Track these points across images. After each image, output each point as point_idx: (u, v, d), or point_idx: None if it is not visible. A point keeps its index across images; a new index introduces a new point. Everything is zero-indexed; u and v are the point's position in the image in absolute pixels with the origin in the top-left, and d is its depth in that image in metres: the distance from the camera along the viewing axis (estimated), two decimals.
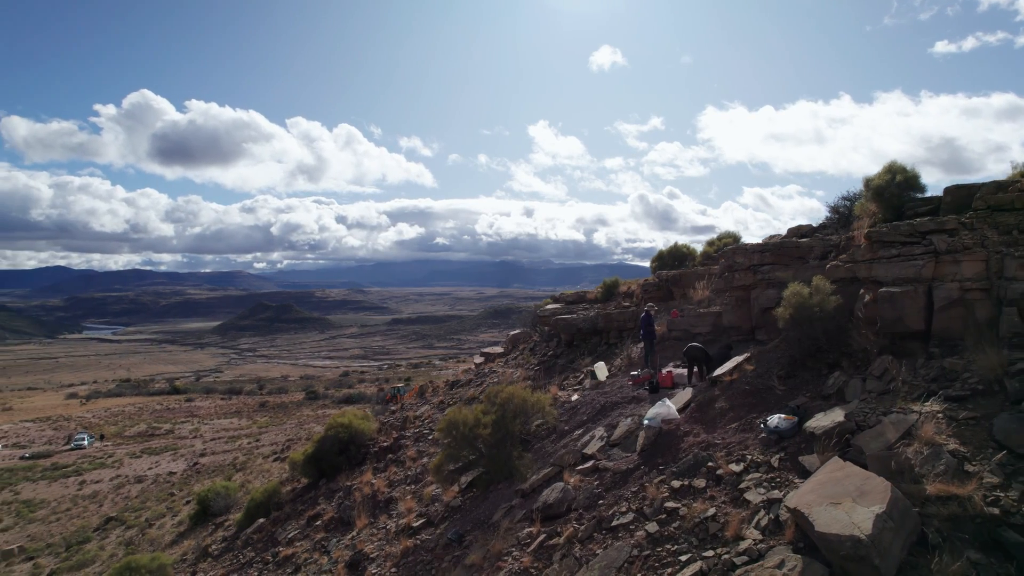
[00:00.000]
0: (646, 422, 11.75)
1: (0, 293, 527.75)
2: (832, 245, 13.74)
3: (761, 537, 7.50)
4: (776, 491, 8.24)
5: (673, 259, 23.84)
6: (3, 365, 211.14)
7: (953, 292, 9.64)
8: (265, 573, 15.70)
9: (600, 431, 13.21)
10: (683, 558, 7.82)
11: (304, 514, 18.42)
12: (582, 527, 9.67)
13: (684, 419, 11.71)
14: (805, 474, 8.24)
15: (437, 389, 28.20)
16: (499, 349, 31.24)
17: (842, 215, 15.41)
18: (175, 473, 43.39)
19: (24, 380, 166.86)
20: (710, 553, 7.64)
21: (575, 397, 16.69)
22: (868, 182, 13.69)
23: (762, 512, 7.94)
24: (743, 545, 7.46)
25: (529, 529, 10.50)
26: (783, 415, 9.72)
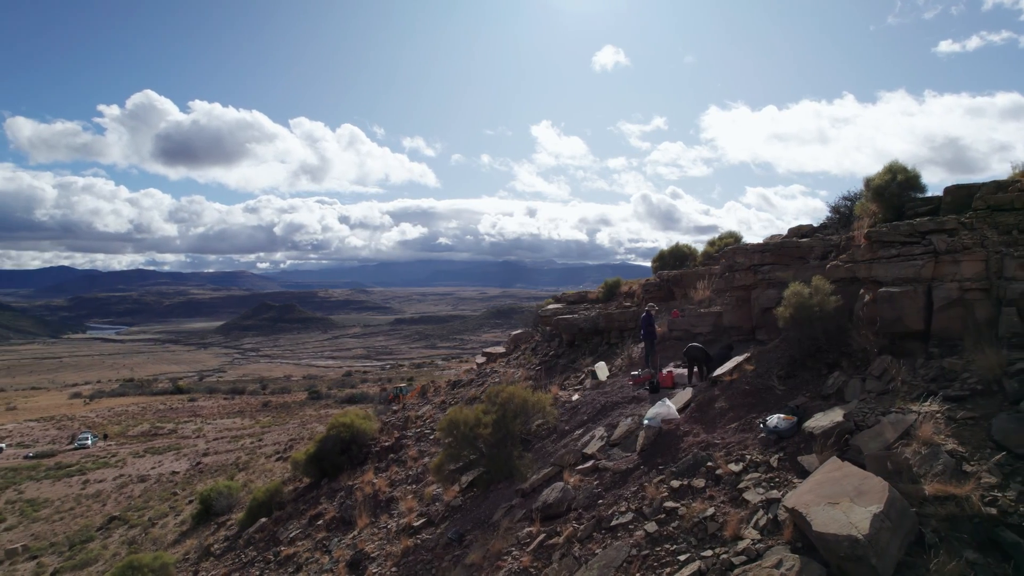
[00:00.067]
0: (646, 422, 11.76)
1: (4, 293, 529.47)
2: (833, 245, 13.73)
3: (759, 537, 7.51)
4: (775, 491, 8.25)
5: (674, 259, 23.84)
6: (7, 365, 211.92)
7: (952, 292, 9.64)
8: (267, 572, 15.75)
9: (600, 431, 13.22)
10: (682, 558, 7.83)
11: (306, 513, 18.46)
12: (581, 527, 9.69)
13: (684, 419, 11.72)
14: (804, 474, 8.25)
15: (439, 389, 28.25)
16: (501, 349, 31.26)
17: (843, 215, 15.40)
18: (178, 472, 43.56)
19: (28, 380, 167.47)
20: (709, 553, 7.65)
21: (576, 397, 16.71)
22: (868, 182, 13.69)
23: (761, 512, 7.94)
24: (741, 545, 7.47)
25: (529, 529, 10.52)
26: (782, 415, 9.73)
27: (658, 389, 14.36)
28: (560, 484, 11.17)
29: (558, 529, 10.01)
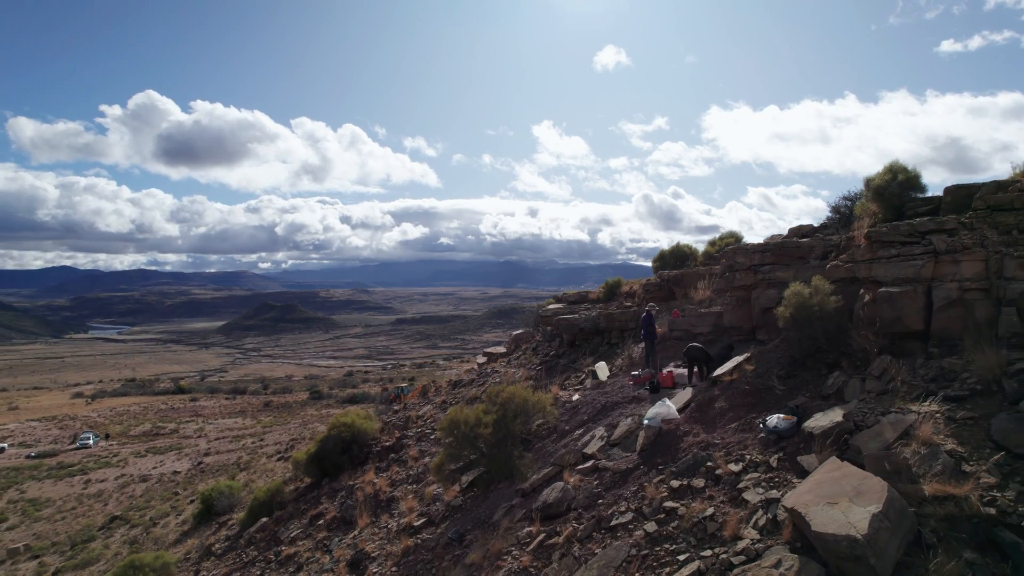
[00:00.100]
0: (646, 422, 11.77)
1: (7, 293, 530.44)
2: (833, 245, 13.73)
3: (759, 537, 7.51)
4: (774, 491, 8.25)
5: (675, 259, 23.84)
6: (10, 365, 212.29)
7: (952, 292, 9.64)
8: (268, 572, 15.78)
9: (600, 431, 13.23)
10: (681, 557, 7.84)
11: (307, 513, 18.48)
12: (581, 526, 9.70)
13: (684, 419, 11.73)
14: (803, 474, 8.25)
15: (439, 389, 28.27)
16: (502, 349, 31.27)
17: (843, 215, 15.39)
18: (179, 472, 43.64)
19: (30, 380, 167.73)
20: (708, 553, 7.65)
21: (576, 397, 16.72)
22: (869, 182, 13.69)
23: (760, 512, 7.95)
24: (741, 545, 7.48)
25: (529, 528, 10.53)
26: (782, 415, 9.73)
27: (658, 389, 14.36)
28: (560, 484, 11.18)
29: (558, 529, 10.02)
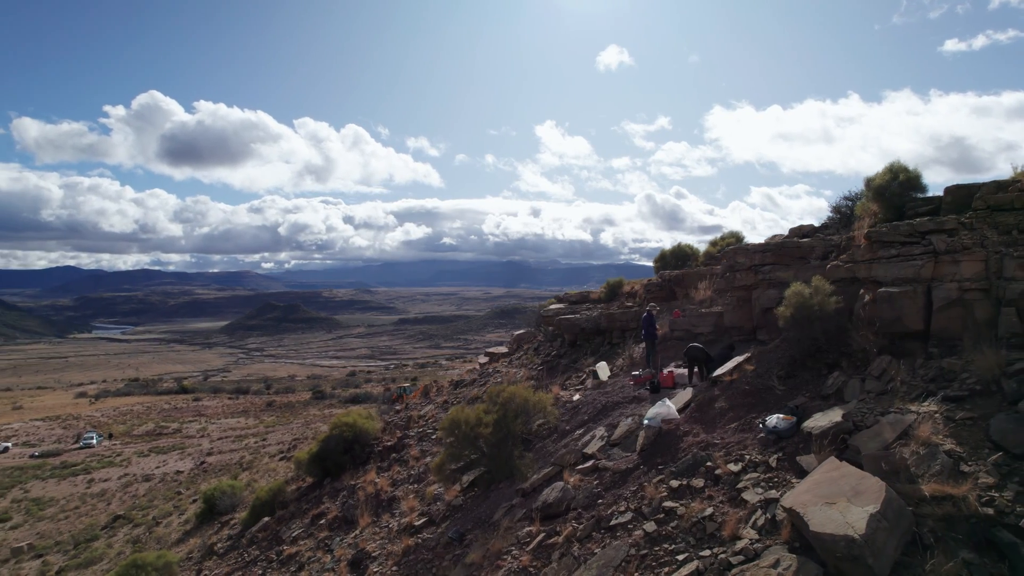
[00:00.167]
0: (646, 422, 11.78)
1: (11, 293, 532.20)
2: (833, 245, 13.72)
3: (758, 537, 7.53)
4: (773, 491, 8.27)
5: (676, 259, 23.83)
6: (14, 364, 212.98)
7: (952, 292, 9.63)
8: (269, 571, 15.83)
9: (601, 431, 13.25)
10: (680, 557, 7.85)
11: (308, 513, 18.53)
12: (581, 526, 9.72)
13: (684, 419, 11.74)
14: (803, 474, 8.26)
15: (441, 389, 28.30)
16: (504, 349, 31.29)
17: (844, 215, 15.38)
18: (182, 472, 43.74)
19: (34, 379, 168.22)
20: (707, 552, 7.67)
21: (577, 397, 16.74)
22: (869, 182, 13.67)
23: (759, 512, 7.96)
24: (740, 545, 7.50)
25: (529, 528, 10.55)
26: (782, 415, 9.74)
27: (659, 389, 14.38)
28: (560, 484, 11.21)
29: (558, 529, 10.04)
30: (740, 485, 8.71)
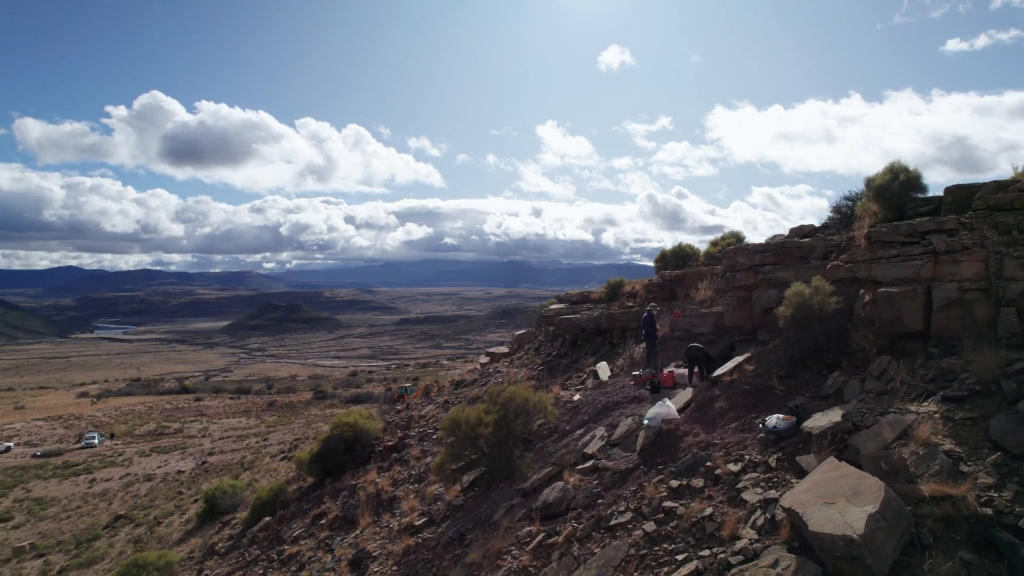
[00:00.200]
0: (646, 422, 11.79)
1: (13, 293, 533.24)
2: (834, 245, 13.72)
3: (757, 537, 7.53)
4: (773, 491, 8.27)
5: (677, 259, 23.83)
6: (16, 364, 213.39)
7: (952, 292, 9.63)
8: (270, 571, 15.85)
9: (601, 431, 13.25)
10: (680, 557, 7.86)
11: (309, 513, 18.56)
12: (581, 526, 9.72)
13: (684, 419, 11.74)
14: (802, 474, 8.26)
15: (442, 389, 28.31)
16: (504, 349, 31.31)
17: (844, 215, 15.38)
18: (184, 472, 43.80)
19: (36, 379, 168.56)
20: (706, 552, 7.68)
21: (577, 397, 16.75)
22: (870, 182, 13.67)
23: (759, 512, 7.96)
24: (739, 545, 7.50)
25: (529, 528, 10.56)
26: (781, 415, 9.74)
27: (659, 389, 14.38)
28: (560, 484, 11.21)
29: (557, 528, 10.05)
30: (740, 485, 8.71)
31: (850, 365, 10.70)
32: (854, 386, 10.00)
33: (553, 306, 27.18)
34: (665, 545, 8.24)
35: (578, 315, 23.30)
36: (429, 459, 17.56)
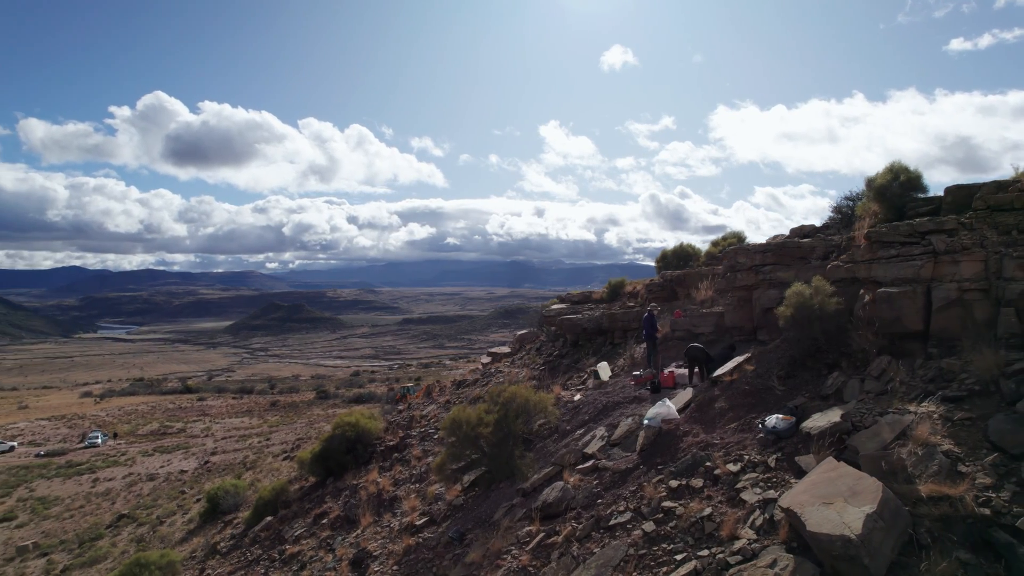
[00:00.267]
0: (646, 422, 11.80)
1: (17, 293, 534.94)
2: (834, 245, 13.71)
3: (755, 537, 7.54)
4: (772, 491, 8.28)
5: (678, 259, 23.84)
6: (20, 364, 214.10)
7: (951, 292, 9.62)
8: (271, 570, 15.89)
9: (601, 431, 13.27)
10: (678, 557, 7.87)
11: (311, 512, 18.60)
12: (580, 526, 9.74)
13: (684, 419, 11.75)
14: (801, 474, 8.26)
15: (444, 389, 28.36)
16: (506, 349, 31.35)
17: (845, 215, 15.37)
18: (186, 471, 43.89)
19: (40, 379, 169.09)
20: (705, 552, 7.69)
21: (578, 397, 16.76)
22: (870, 182, 13.67)
23: (757, 512, 7.97)
24: (737, 544, 7.51)
25: (528, 528, 10.59)
26: (781, 415, 9.75)
27: (659, 389, 14.39)
28: (560, 484, 11.23)
29: (557, 528, 10.07)
30: (739, 485, 8.72)
31: (850, 365, 10.70)
32: (854, 386, 10.00)
33: (554, 306, 27.20)
34: (664, 545, 8.26)
35: (579, 315, 23.32)
36: (430, 459, 17.59)
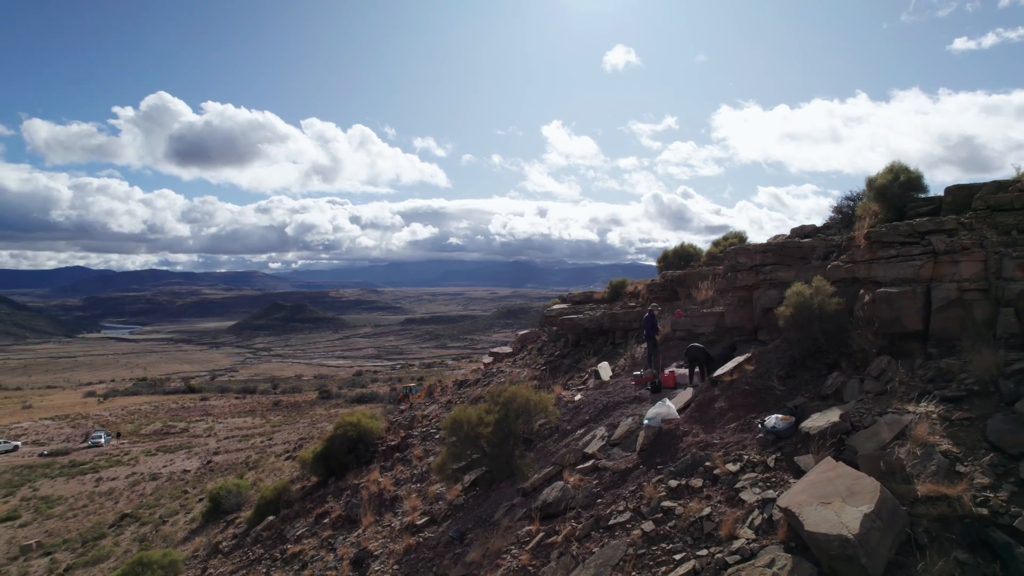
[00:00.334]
0: (646, 422, 11.81)
1: (21, 293, 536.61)
2: (834, 245, 13.71)
3: (754, 536, 7.56)
4: (771, 491, 8.29)
5: (679, 259, 23.84)
6: (24, 364, 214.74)
7: (951, 292, 9.61)
8: (273, 570, 15.94)
9: (601, 431, 13.29)
10: (677, 557, 7.89)
11: (312, 512, 18.66)
12: (580, 526, 9.76)
13: (684, 419, 11.76)
14: (800, 474, 8.27)
15: (445, 388, 28.41)
16: (508, 349, 31.39)
17: (846, 215, 15.37)
18: (189, 471, 43.99)
19: (44, 379, 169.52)
20: (704, 552, 7.70)
21: (578, 397, 16.78)
22: (871, 182, 13.66)
23: (756, 512, 7.99)
24: (736, 544, 7.52)
25: (528, 527, 10.61)
26: (780, 415, 9.76)
27: (660, 389, 14.40)
28: (560, 483, 11.26)
29: (557, 528, 10.10)
30: (738, 485, 8.73)
31: (850, 365, 10.70)
32: (853, 386, 10.00)
33: (556, 306, 27.22)
34: (663, 545, 8.27)
35: (581, 315, 23.33)
36: (431, 458, 17.63)
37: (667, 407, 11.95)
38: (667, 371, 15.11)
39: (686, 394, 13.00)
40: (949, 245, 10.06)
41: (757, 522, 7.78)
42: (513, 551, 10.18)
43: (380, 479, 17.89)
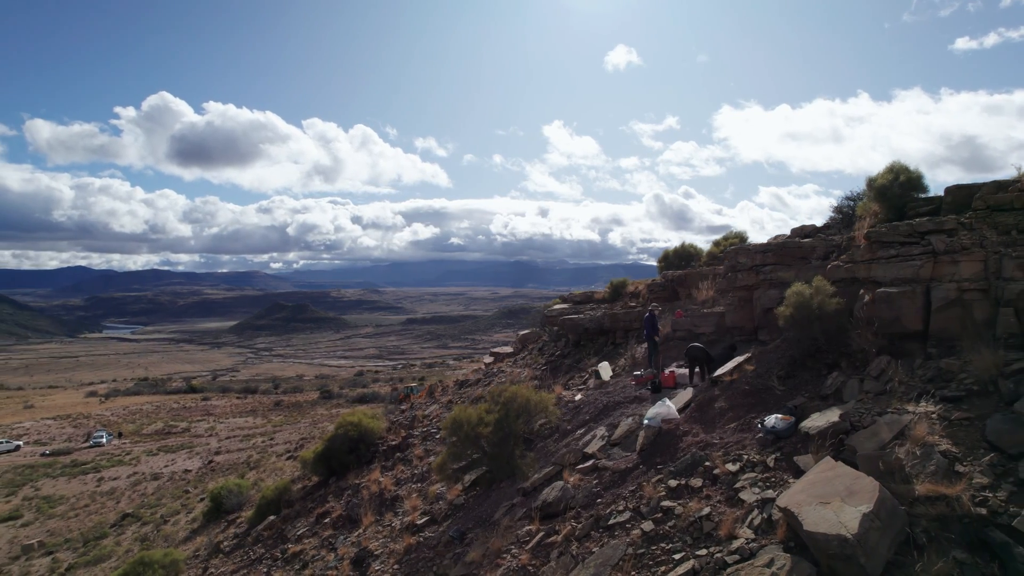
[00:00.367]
0: (646, 422, 11.83)
1: (23, 293, 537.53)
2: (835, 245, 13.71)
3: (753, 536, 7.57)
4: (770, 491, 8.30)
5: (679, 259, 23.84)
6: (25, 363, 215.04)
7: (951, 292, 9.62)
8: (274, 569, 15.96)
9: (601, 430, 13.30)
10: (677, 556, 7.90)
11: (313, 512, 18.68)
12: (580, 525, 9.77)
13: (684, 419, 11.77)
14: (800, 474, 8.28)
15: (446, 388, 28.42)
16: (509, 349, 31.39)
17: (846, 215, 15.36)
18: (190, 471, 44.07)
19: (45, 378, 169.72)
20: (703, 552, 7.71)
21: (579, 396, 16.79)
22: (871, 182, 13.65)
23: (756, 511, 8.00)
24: (735, 544, 7.54)
25: (528, 527, 10.63)
26: (780, 415, 9.77)
27: (660, 389, 14.41)
28: (560, 483, 11.27)
29: (557, 528, 10.11)
30: (737, 485, 8.74)
31: (849, 365, 10.70)
32: (853, 386, 10.01)
33: (556, 306, 27.23)
34: (663, 544, 8.28)
35: (581, 315, 23.34)
36: (432, 458, 17.64)
37: (667, 407, 11.96)
38: (667, 371, 15.12)
39: (686, 394, 13.01)
40: (949, 245, 10.06)
41: (756, 522, 7.79)
42: (513, 551, 10.19)
43: (381, 479, 17.91)
